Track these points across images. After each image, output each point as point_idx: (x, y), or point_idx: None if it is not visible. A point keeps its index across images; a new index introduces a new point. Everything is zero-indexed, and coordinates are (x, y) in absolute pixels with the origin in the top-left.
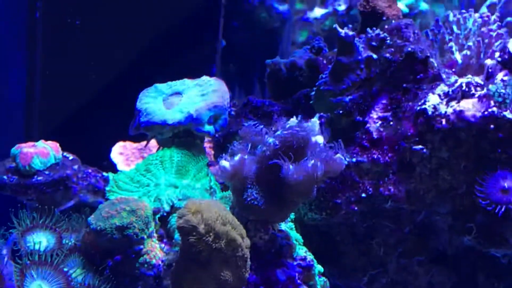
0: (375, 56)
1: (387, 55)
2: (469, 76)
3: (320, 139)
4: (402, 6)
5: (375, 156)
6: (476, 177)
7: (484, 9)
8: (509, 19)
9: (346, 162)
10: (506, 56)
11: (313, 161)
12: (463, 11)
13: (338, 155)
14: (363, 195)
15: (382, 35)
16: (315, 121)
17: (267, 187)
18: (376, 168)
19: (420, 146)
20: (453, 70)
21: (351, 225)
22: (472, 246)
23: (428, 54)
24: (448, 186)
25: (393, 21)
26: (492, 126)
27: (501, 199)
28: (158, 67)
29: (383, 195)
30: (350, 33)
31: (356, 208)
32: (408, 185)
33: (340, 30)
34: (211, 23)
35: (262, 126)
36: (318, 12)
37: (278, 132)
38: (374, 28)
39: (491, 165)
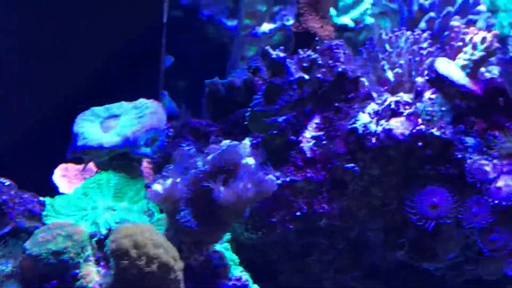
0: (306, 76)
1: (319, 75)
2: (400, 94)
3: (250, 160)
4: (347, 20)
5: (309, 175)
6: (406, 194)
7: (423, 24)
8: (447, 33)
9: (280, 182)
10: (433, 75)
11: (243, 183)
12: (395, 29)
13: (270, 176)
14: (298, 213)
15: (313, 56)
16: (246, 143)
17: (200, 209)
18: (309, 187)
19: (352, 165)
20: (386, 88)
21: (287, 243)
22: (405, 261)
23: (359, 74)
24: (380, 202)
25: (325, 41)
26: (420, 143)
27: (431, 215)
28: (100, 90)
29: (317, 213)
30: (282, 54)
31: (291, 226)
32: (341, 203)
33: (271, 52)
34: (153, 43)
35: (194, 149)
36: (266, 27)
37: (210, 155)
38: (306, 49)
39: (420, 182)
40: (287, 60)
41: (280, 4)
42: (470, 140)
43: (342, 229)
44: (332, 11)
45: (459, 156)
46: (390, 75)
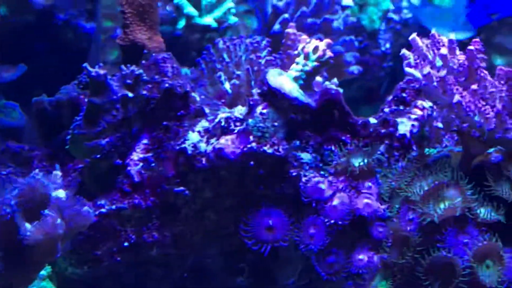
0: (130, 94)
1: (144, 92)
2: (232, 109)
3: (61, 193)
4: (210, 20)
5: (136, 201)
6: (241, 216)
7: (277, 26)
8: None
9: (105, 211)
10: (265, 88)
11: (52, 219)
12: (234, 37)
13: (86, 207)
14: (126, 244)
15: (137, 72)
16: (56, 173)
17: (7, 250)
18: (138, 214)
19: (182, 188)
20: (223, 101)
21: (119, 276)
22: (246, 286)
23: (188, 89)
24: (216, 226)
25: (153, 54)
26: (252, 162)
27: (267, 238)
28: None
29: (147, 242)
30: (102, 71)
31: (119, 258)
32: (173, 229)
33: (90, 69)
34: None
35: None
36: None
37: (15, 189)
38: (129, 65)
39: (256, 203)
40: (108, 77)
41: None
42: (306, 156)
43: (177, 257)
44: (194, 11)
45: (294, 174)
46: (227, 86)
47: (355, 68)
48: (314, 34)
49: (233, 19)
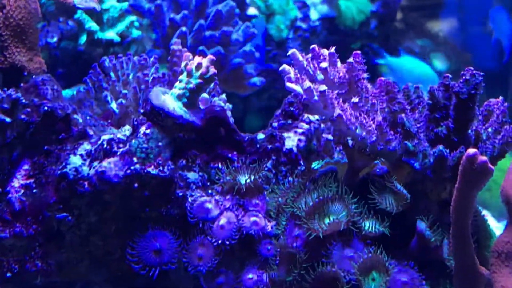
0: (8, 119)
1: (23, 116)
2: (116, 130)
3: None
4: (112, 34)
5: (18, 230)
6: (128, 240)
7: (175, 39)
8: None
9: None
10: (148, 107)
11: None
12: (121, 54)
13: None
14: (8, 274)
15: (14, 96)
16: None
17: None
18: (20, 243)
19: (64, 214)
20: (110, 121)
21: None
22: None
23: (70, 111)
24: (102, 252)
25: (33, 76)
26: (136, 184)
27: (154, 261)
28: None
29: (30, 271)
30: None
31: None
32: (58, 257)
33: None
34: None
35: None
36: None
37: None
38: (5, 89)
39: (142, 225)
40: None
41: (44, 20)
42: (192, 176)
43: (63, 285)
44: (95, 26)
45: (180, 194)
46: (114, 106)
47: (257, 80)
48: (213, 47)
49: (136, 33)
